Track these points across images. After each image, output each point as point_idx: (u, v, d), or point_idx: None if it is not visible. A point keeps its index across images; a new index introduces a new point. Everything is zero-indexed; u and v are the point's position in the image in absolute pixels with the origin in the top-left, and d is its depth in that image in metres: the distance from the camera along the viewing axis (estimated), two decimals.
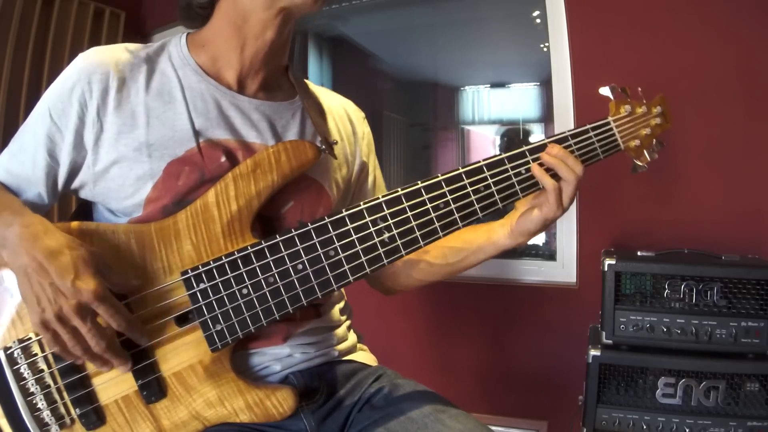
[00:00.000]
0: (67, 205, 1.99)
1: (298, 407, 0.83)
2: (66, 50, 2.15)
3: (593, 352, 1.47)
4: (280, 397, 0.79)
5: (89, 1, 2.25)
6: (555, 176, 0.82)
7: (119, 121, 0.78)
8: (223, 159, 0.80)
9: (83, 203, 0.89)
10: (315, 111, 0.91)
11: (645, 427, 1.43)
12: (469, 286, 2.08)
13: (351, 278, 0.77)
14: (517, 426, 1.94)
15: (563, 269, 1.95)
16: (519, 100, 2.46)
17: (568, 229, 1.93)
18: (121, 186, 0.78)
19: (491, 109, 2.50)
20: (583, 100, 1.85)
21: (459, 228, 0.80)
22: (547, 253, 2.16)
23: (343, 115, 0.98)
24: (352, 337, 0.99)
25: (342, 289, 0.97)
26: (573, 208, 1.90)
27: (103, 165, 0.78)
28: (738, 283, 1.40)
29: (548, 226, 0.84)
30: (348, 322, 1.00)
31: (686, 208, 1.76)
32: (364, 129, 1.00)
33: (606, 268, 1.47)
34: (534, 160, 0.82)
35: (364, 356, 0.99)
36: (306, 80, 0.98)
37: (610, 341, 1.47)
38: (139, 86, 0.80)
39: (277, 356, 0.84)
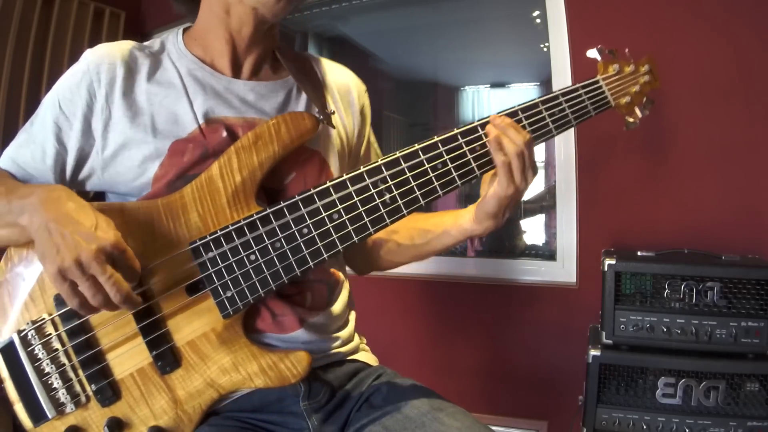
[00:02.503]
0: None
1: (301, 406, 0.84)
2: (66, 50, 2.15)
3: (593, 352, 1.47)
4: (294, 359, 0.79)
5: (89, 1, 2.25)
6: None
7: (125, 107, 0.81)
8: (224, 134, 0.83)
9: (94, 198, 0.91)
10: (309, 86, 0.93)
11: (645, 427, 1.43)
12: (470, 285, 2.08)
13: (355, 238, 0.79)
14: (517, 426, 1.94)
15: (563, 269, 1.95)
16: (519, 100, 2.46)
17: (568, 229, 1.93)
18: (129, 168, 0.81)
19: (491, 109, 2.49)
20: None
21: (458, 186, 0.81)
22: (547, 253, 2.16)
23: (343, 87, 0.99)
24: (356, 338, 1.00)
25: (346, 282, 0.98)
26: (573, 207, 1.90)
27: (111, 150, 0.81)
28: (738, 283, 1.40)
29: (506, 206, 0.82)
30: (353, 323, 1.00)
31: (686, 208, 1.76)
32: (364, 101, 1.02)
33: (606, 268, 1.47)
34: (527, 117, 0.83)
35: (366, 356, 0.99)
36: (308, 54, 1.00)
37: (610, 341, 1.47)
38: (143, 77, 0.83)
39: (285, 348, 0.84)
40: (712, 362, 1.39)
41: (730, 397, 1.40)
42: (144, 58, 0.85)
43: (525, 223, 2.30)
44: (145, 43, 0.88)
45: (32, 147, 0.82)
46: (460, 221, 0.89)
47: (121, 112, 0.81)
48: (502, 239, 2.33)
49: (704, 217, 1.73)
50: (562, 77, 1.91)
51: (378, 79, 2.62)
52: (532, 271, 2.04)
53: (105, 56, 0.82)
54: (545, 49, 2.01)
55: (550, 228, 2.18)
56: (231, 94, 0.87)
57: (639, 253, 1.57)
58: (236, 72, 0.89)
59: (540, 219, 2.26)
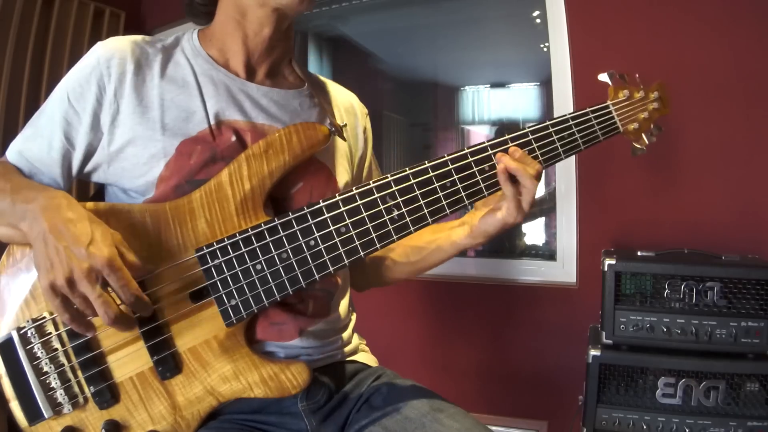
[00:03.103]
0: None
1: (300, 407, 0.84)
2: (66, 50, 2.15)
3: (593, 352, 1.47)
4: (295, 370, 0.79)
5: (89, 1, 2.25)
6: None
7: (135, 103, 0.80)
8: (233, 139, 0.82)
9: (97, 192, 0.91)
10: (323, 99, 0.94)
11: (645, 427, 1.43)
12: (470, 286, 2.08)
13: (362, 253, 0.79)
14: (517, 426, 1.94)
15: (563, 269, 1.95)
16: (519, 100, 2.46)
17: (568, 229, 1.93)
18: (135, 165, 0.80)
19: (491, 109, 2.50)
20: (583, 100, 1.85)
21: (465, 206, 0.82)
22: (547, 253, 2.16)
23: (348, 107, 1.01)
24: (355, 339, 1.00)
25: (347, 281, 0.99)
26: (573, 207, 1.90)
27: (118, 145, 0.80)
28: (738, 283, 1.40)
29: (508, 229, 0.85)
30: (353, 324, 1.01)
31: (686, 208, 1.76)
32: (366, 124, 1.04)
33: (606, 268, 1.47)
34: (536, 140, 0.83)
35: (365, 357, 0.99)
36: (313, 73, 1.01)
37: (610, 341, 1.47)
38: (155, 72, 0.83)
39: (284, 354, 0.84)
40: (712, 362, 1.39)
41: (730, 397, 1.40)
42: (156, 53, 0.84)
43: (525, 224, 2.30)
44: (158, 35, 0.87)
45: (39, 141, 0.81)
46: (453, 237, 0.92)
47: (131, 108, 0.80)
48: (502, 239, 2.32)
49: (704, 217, 1.73)
50: (562, 77, 1.91)
51: (378, 79, 2.62)
52: (532, 271, 2.04)
53: (115, 50, 0.81)
54: (545, 49, 2.01)
55: (550, 228, 2.18)
56: (244, 95, 0.86)
57: (639, 253, 1.57)
58: (250, 75, 0.88)
59: (540, 219, 2.26)
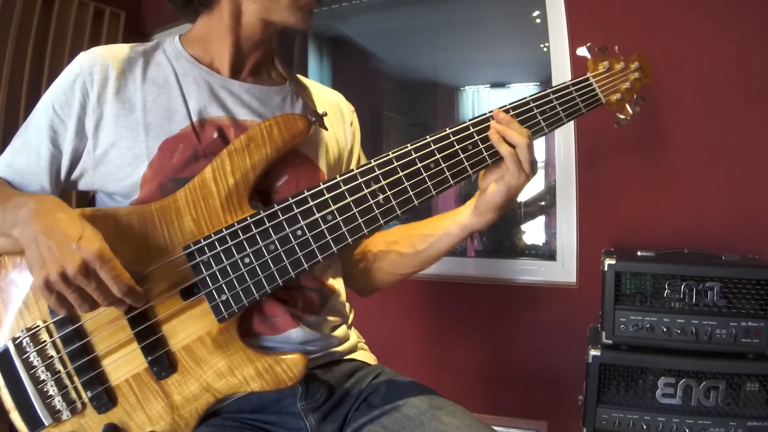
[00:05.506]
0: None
1: (299, 406, 0.84)
2: (66, 50, 2.15)
3: (593, 352, 1.47)
4: (290, 362, 0.79)
5: (89, 1, 2.25)
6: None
7: (118, 106, 0.82)
8: (215, 135, 0.83)
9: (89, 203, 0.91)
10: (306, 95, 0.95)
11: (645, 427, 1.43)
12: (470, 286, 2.08)
13: (349, 240, 0.79)
14: (517, 426, 1.95)
15: (563, 269, 1.95)
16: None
17: (568, 229, 1.93)
18: (119, 167, 0.81)
19: (491, 109, 2.49)
20: None
21: (451, 186, 0.82)
22: (547, 253, 2.16)
23: (334, 104, 1.02)
24: (353, 337, 1.00)
25: (341, 284, 0.98)
26: (573, 207, 1.90)
27: (103, 148, 0.82)
28: (738, 283, 1.40)
29: (513, 195, 0.84)
30: (349, 321, 1.00)
31: (686, 208, 1.76)
32: (353, 119, 1.05)
33: (606, 268, 1.47)
34: (518, 115, 0.85)
35: (364, 355, 0.99)
36: (298, 75, 1.02)
37: (610, 341, 1.47)
38: (137, 76, 0.84)
39: (280, 349, 0.84)
40: (712, 362, 1.39)
41: (730, 397, 1.40)
42: (137, 58, 0.85)
43: (525, 224, 2.30)
44: (139, 44, 0.89)
45: (27, 151, 0.83)
46: (459, 218, 0.90)
47: (114, 111, 0.81)
48: (502, 239, 2.33)
49: (704, 217, 1.73)
50: (562, 77, 1.91)
51: (378, 79, 2.62)
52: (532, 271, 2.04)
53: (98, 58, 0.83)
54: (545, 49, 2.01)
55: (550, 228, 2.18)
56: (226, 92, 0.87)
57: (639, 253, 1.57)
58: (235, 73, 0.89)
59: (540, 219, 2.26)
